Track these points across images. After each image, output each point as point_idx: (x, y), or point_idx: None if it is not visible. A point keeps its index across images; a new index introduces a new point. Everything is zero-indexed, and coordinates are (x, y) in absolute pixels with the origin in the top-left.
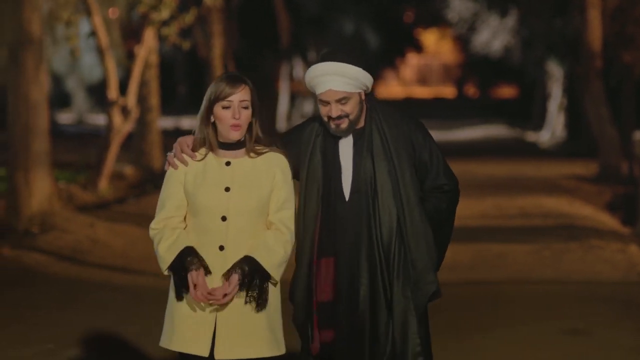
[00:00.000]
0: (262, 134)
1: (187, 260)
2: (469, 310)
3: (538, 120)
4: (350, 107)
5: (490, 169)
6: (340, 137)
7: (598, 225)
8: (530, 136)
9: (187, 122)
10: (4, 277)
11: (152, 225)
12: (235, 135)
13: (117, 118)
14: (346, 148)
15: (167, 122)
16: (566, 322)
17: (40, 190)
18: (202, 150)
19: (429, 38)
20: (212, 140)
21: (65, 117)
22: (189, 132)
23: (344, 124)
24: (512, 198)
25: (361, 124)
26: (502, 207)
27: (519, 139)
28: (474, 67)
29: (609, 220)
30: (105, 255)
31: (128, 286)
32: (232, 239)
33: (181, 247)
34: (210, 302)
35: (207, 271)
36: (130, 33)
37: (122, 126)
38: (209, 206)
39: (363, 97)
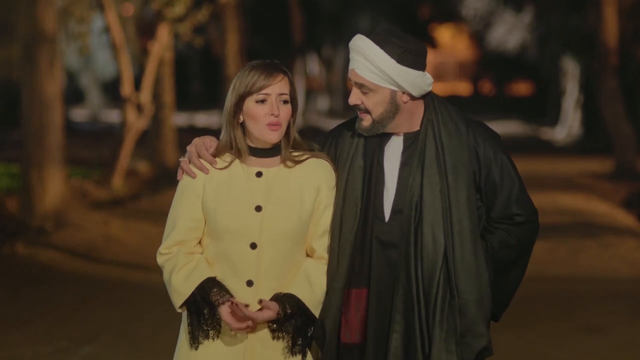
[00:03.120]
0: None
1: (213, 292)
2: None
3: (553, 117)
4: (371, 103)
5: None
6: (387, 140)
7: (614, 223)
8: (546, 133)
9: (202, 119)
10: (18, 274)
11: (161, 249)
12: (273, 137)
13: (131, 115)
14: (394, 154)
15: (181, 119)
16: (582, 319)
17: (54, 187)
18: (227, 157)
19: (444, 34)
20: (240, 144)
21: (79, 114)
22: (203, 130)
23: (366, 121)
24: None
25: (416, 127)
26: None
27: (535, 136)
28: (490, 63)
29: (625, 218)
30: (120, 253)
31: (142, 283)
32: (264, 271)
33: (202, 278)
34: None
35: None
36: (144, 29)
37: (136, 123)
38: (235, 229)
39: (402, 99)
